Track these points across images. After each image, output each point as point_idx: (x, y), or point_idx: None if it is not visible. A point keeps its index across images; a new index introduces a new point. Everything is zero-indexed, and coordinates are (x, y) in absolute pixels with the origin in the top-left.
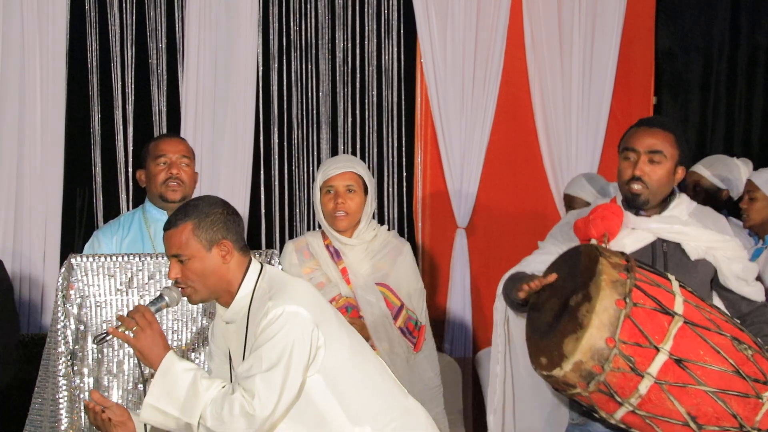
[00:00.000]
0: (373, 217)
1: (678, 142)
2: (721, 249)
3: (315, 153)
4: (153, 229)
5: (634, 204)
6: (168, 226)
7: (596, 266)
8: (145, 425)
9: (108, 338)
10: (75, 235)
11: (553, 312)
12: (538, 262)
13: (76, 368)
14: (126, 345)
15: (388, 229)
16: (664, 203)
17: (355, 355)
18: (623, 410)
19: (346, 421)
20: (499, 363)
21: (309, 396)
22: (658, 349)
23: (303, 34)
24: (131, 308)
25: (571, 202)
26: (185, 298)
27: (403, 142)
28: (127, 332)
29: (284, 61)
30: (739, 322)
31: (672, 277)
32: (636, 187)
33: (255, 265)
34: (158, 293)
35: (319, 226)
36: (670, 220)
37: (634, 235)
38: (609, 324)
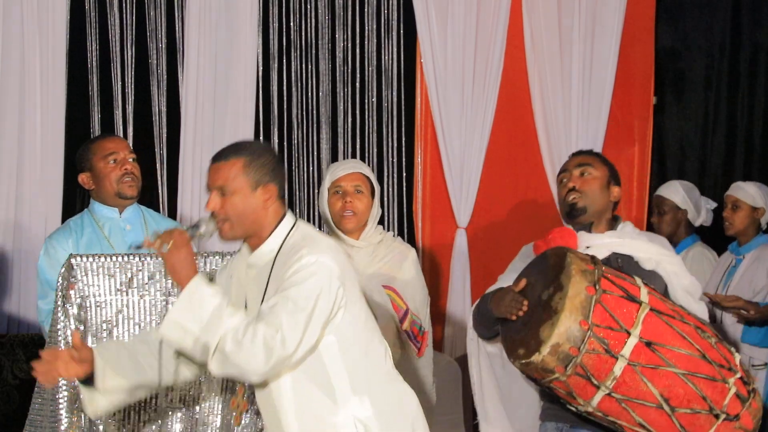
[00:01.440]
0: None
1: (604, 162)
2: (668, 263)
3: (315, 153)
4: (107, 228)
5: (573, 214)
6: (217, 158)
7: (565, 260)
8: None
9: (143, 249)
10: None
11: (526, 311)
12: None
13: None
14: None
15: (394, 236)
16: (612, 225)
17: (367, 328)
18: (600, 394)
19: (348, 388)
20: (475, 395)
21: (320, 356)
22: (629, 333)
23: (303, 34)
24: (131, 308)
25: (661, 204)
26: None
27: (403, 142)
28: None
29: (284, 61)
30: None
31: (635, 277)
32: (572, 196)
33: (290, 218)
34: (196, 221)
35: (324, 229)
36: (622, 234)
37: (588, 252)
38: (581, 308)
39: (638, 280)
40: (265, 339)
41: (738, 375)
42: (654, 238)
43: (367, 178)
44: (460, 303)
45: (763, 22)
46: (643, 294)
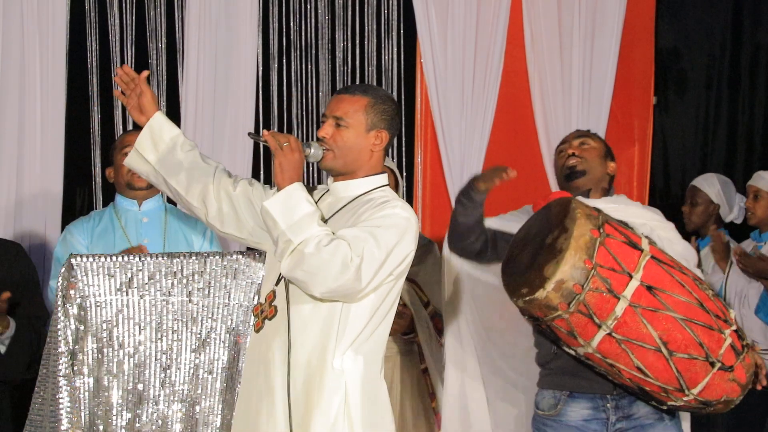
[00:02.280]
0: None
1: (600, 139)
2: (662, 228)
3: None
4: (123, 218)
5: (573, 177)
6: (345, 91)
7: (570, 205)
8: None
9: (261, 139)
10: None
11: (530, 255)
12: (493, 221)
13: (76, 368)
14: (125, 345)
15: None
16: (607, 193)
17: (392, 309)
18: (601, 334)
19: (350, 344)
20: (451, 332)
21: (350, 305)
22: (630, 276)
23: (303, 34)
24: (131, 308)
25: (695, 195)
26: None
27: (403, 142)
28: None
29: (284, 61)
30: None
31: (636, 228)
32: (572, 160)
33: (385, 178)
34: (307, 142)
35: None
36: (617, 200)
37: None
38: (586, 248)
39: (638, 231)
40: (344, 256)
41: (733, 327)
42: (647, 207)
43: (392, 170)
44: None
45: (763, 22)
46: (644, 243)
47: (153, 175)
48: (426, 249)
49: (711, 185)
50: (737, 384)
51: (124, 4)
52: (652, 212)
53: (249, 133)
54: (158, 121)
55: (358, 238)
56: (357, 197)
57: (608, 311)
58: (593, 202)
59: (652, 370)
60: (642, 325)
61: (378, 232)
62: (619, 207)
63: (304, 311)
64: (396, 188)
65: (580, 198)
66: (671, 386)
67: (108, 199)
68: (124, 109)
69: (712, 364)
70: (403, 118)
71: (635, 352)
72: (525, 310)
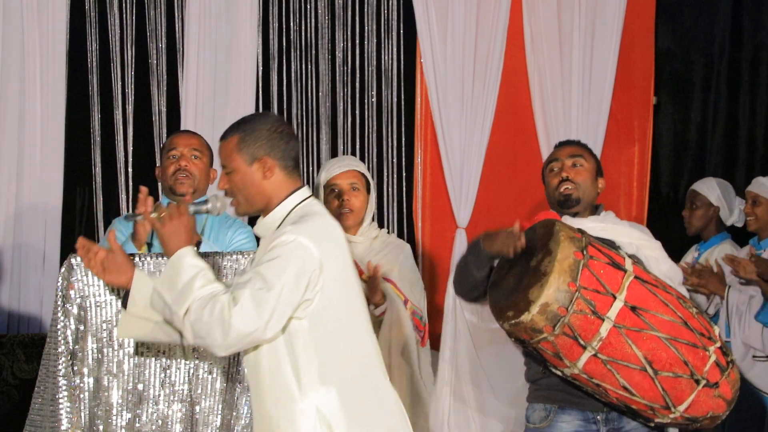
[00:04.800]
0: (373, 219)
1: (592, 155)
2: (648, 248)
3: (315, 153)
4: None
5: (568, 205)
6: (221, 138)
7: (553, 228)
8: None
9: (138, 219)
10: (75, 235)
11: (515, 278)
12: None
13: (76, 368)
14: (125, 345)
15: (388, 233)
16: (594, 212)
17: (351, 317)
18: (586, 355)
19: (316, 376)
20: (447, 348)
21: (291, 339)
22: (614, 297)
23: (303, 34)
24: None
25: (694, 198)
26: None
27: (403, 142)
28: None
29: (284, 61)
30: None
31: (620, 250)
32: (567, 187)
33: (303, 192)
34: (205, 197)
35: None
36: (604, 219)
37: None
38: (570, 271)
39: (622, 252)
40: (221, 312)
41: (718, 344)
42: (635, 225)
43: (362, 174)
44: (460, 302)
45: (763, 22)
46: (628, 263)
47: (160, 332)
48: (398, 247)
49: (710, 188)
50: (723, 400)
51: (124, 4)
52: (639, 231)
53: (125, 216)
54: (145, 278)
55: (242, 284)
56: (274, 231)
57: (593, 333)
58: (581, 221)
59: (638, 389)
60: (627, 346)
61: (263, 269)
62: (606, 226)
63: (250, 361)
64: (367, 191)
65: (568, 218)
66: (657, 404)
67: (108, 199)
68: (124, 109)
69: (697, 382)
70: (403, 118)
71: (621, 372)
72: (511, 332)
